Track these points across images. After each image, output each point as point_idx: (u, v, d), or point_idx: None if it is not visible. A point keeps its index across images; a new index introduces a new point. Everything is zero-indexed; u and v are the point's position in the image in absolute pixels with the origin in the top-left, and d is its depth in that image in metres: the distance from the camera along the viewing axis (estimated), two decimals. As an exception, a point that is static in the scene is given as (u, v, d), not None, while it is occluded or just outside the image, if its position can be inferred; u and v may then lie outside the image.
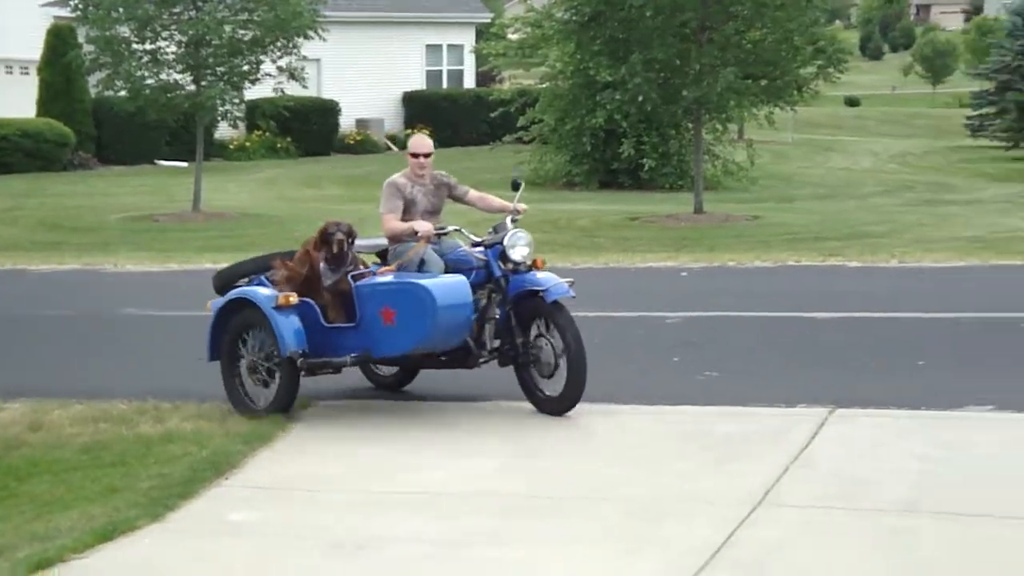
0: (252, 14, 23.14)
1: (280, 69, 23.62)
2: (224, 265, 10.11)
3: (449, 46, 41.09)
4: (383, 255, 9.13)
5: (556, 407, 8.42)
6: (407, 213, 8.89)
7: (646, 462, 7.44)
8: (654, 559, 5.96)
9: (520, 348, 8.53)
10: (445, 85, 41.08)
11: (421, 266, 8.66)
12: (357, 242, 8.96)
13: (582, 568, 5.91)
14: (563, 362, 8.37)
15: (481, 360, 8.65)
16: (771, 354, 10.36)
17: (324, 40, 23.98)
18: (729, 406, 8.61)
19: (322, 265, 8.76)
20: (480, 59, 39.23)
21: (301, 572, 5.91)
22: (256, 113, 33.00)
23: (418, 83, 40.43)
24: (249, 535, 6.46)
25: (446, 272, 8.63)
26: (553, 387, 8.50)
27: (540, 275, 8.55)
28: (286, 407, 8.61)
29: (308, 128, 36.60)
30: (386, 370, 9.37)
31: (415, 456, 7.72)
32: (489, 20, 42.15)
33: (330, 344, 8.57)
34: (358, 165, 34.67)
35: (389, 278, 8.64)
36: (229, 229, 21.74)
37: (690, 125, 27.22)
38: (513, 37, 34.13)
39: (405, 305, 8.37)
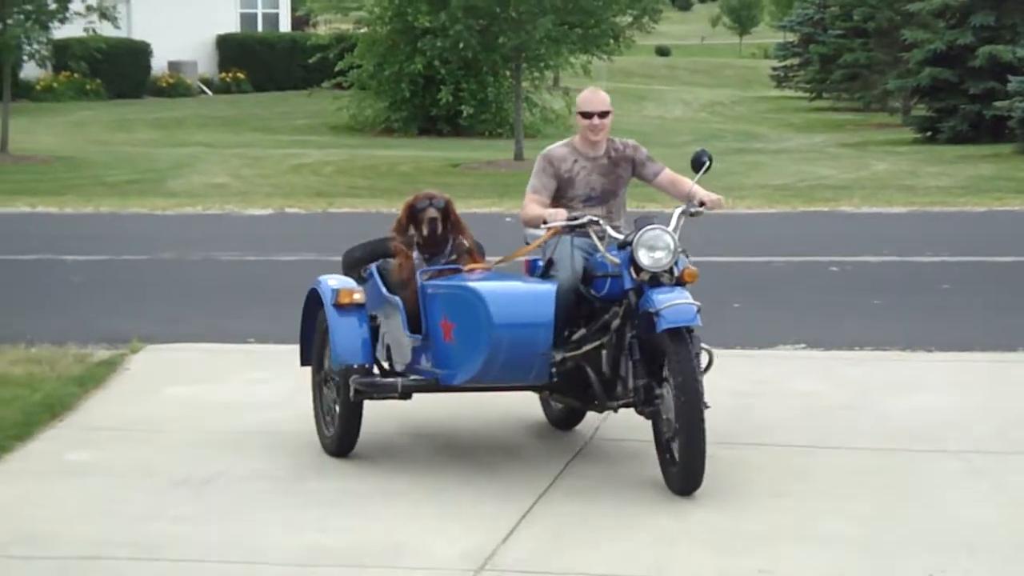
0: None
1: (90, 8, 23.05)
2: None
3: (264, -11, 40.51)
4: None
5: (676, 484, 6.06)
6: (563, 198, 6.66)
7: (470, 402, 7.67)
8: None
9: (642, 393, 6.17)
10: (260, 28, 40.56)
11: (548, 268, 6.54)
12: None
13: (407, 510, 6.11)
14: (672, 419, 6.02)
15: (613, 404, 6.33)
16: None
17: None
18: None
19: (415, 254, 6.74)
20: (296, 2, 38.79)
21: (147, 509, 5.97)
22: (66, 54, 32.15)
23: (232, 26, 39.83)
24: (91, 474, 6.49)
25: (584, 279, 6.44)
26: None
27: (662, 293, 6.06)
28: (345, 444, 6.64)
29: (119, 70, 35.79)
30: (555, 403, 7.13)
31: (254, 397, 7.82)
32: (305, -37, 41.67)
33: (413, 362, 6.64)
34: (171, 108, 34.07)
35: (460, 279, 6.47)
36: (41, 172, 21.25)
37: (508, 72, 27.52)
38: (329, -19, 33.86)
39: (461, 317, 6.30)
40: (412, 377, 6.51)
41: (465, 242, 6.76)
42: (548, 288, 6.24)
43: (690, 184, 6.63)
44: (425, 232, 6.65)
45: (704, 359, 6.25)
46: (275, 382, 8.09)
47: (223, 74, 39.56)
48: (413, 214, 6.72)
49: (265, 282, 11.81)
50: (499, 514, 5.84)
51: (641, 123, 34.38)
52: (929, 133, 28.87)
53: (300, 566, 5.33)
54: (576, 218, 6.40)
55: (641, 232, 6.14)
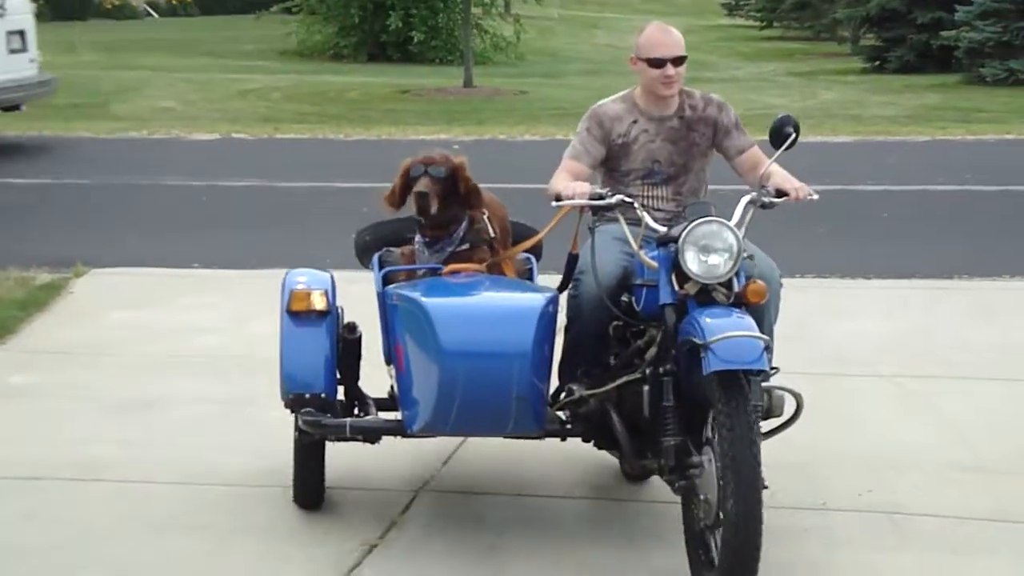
0: None
1: (35, -72, 22.66)
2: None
3: (212, -90, 39.93)
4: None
5: None
6: (616, 171, 5.09)
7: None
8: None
9: (672, 456, 4.49)
10: (208, -50, 39.98)
11: (570, 265, 4.94)
12: None
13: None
14: (713, 501, 4.29)
15: (649, 464, 4.69)
16: (542, 222, 10.72)
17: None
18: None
19: (417, 238, 5.16)
20: (244, -76, 38.27)
21: (88, 431, 6.01)
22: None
23: (179, -52, 39.25)
24: (32, 397, 6.51)
25: (620, 285, 4.77)
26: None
27: (714, 317, 4.37)
28: (304, 493, 5.14)
29: (63, -9, 35.24)
30: None
31: (199, 321, 7.83)
32: None
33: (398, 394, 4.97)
34: (117, 31, 33.63)
35: (424, 285, 4.90)
36: (-17, 96, 20.94)
37: (459, -2, 27.32)
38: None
39: (411, 340, 4.69)
40: (372, 418, 4.99)
41: (485, 223, 5.11)
42: (532, 301, 4.61)
43: (766, 163, 4.96)
44: (415, 211, 5.05)
45: (787, 406, 4.65)
46: (220, 307, 8.11)
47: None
48: (407, 184, 5.06)
49: (211, 207, 11.77)
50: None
51: (591, 51, 34.28)
52: (877, 63, 28.96)
53: (243, 486, 5.39)
54: (602, 196, 4.73)
55: (691, 225, 4.47)
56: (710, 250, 4.47)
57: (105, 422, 6.13)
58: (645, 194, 5.04)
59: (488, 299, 4.82)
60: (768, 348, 4.38)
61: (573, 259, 4.92)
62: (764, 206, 4.80)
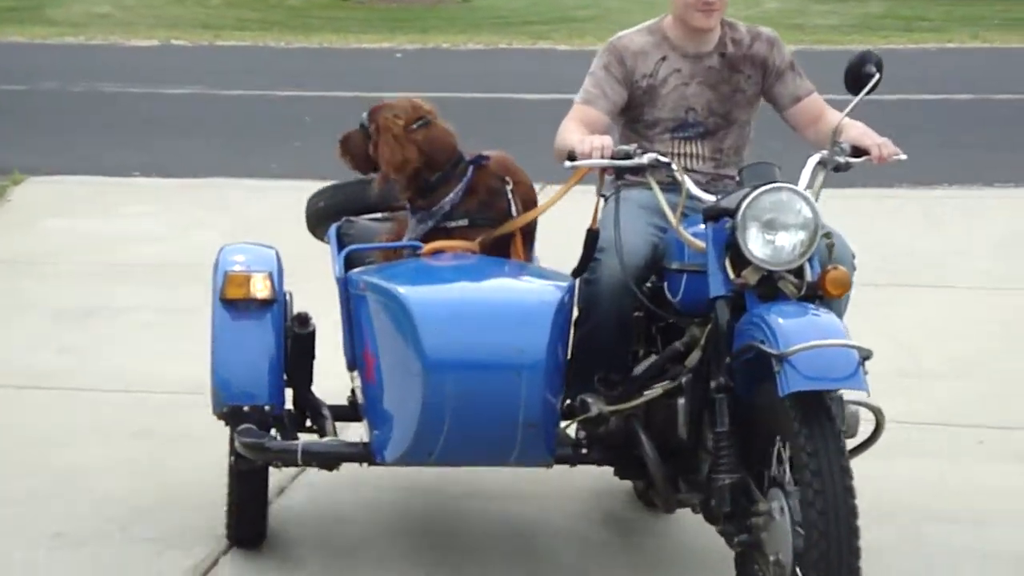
0: None
1: None
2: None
3: None
4: None
5: None
6: (638, 122, 4.05)
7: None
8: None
9: (726, 499, 3.46)
10: None
11: (590, 244, 3.82)
12: None
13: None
14: (788, 560, 3.31)
15: (687, 499, 3.75)
16: (487, 133, 10.67)
17: None
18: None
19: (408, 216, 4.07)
20: None
21: (31, 340, 5.96)
22: None
23: None
24: (-29, 306, 6.43)
25: (654, 268, 3.84)
26: None
27: (788, 316, 3.40)
28: (239, 527, 4.12)
29: None
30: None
31: (139, 230, 7.74)
32: None
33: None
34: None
35: (397, 269, 3.89)
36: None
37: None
38: None
39: (383, 343, 3.72)
40: (332, 441, 3.92)
41: (505, 193, 3.97)
42: (546, 293, 3.59)
43: (838, 116, 3.91)
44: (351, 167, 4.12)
45: (862, 426, 3.68)
46: (161, 215, 8.03)
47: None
48: (377, 128, 4.02)
49: (150, 115, 11.58)
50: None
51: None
52: (821, -27, 28.89)
53: (188, 393, 5.35)
54: (629, 154, 3.67)
55: (754, 194, 3.48)
56: (778, 226, 3.47)
57: (45, 331, 6.08)
58: (675, 151, 3.99)
59: (488, 290, 3.74)
60: (866, 358, 3.31)
61: (594, 236, 3.79)
62: (838, 168, 3.79)
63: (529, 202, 4.03)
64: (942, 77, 13.85)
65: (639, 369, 3.85)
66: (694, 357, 3.65)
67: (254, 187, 8.72)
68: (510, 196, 3.98)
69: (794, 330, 3.32)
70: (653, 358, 3.84)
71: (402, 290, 3.56)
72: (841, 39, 17.17)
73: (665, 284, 3.77)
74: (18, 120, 11.27)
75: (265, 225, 7.81)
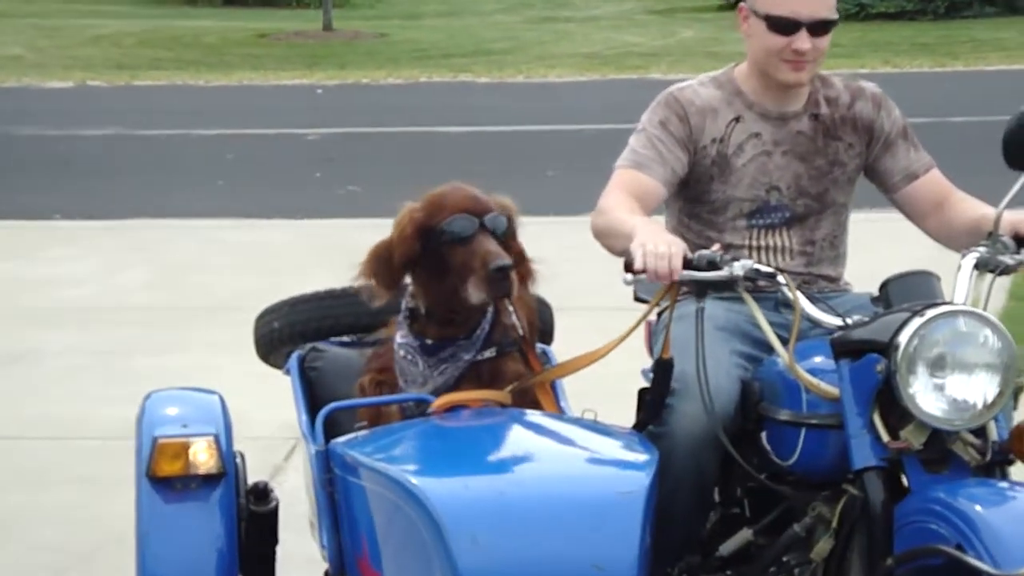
0: None
1: None
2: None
3: None
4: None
5: None
6: (703, 202, 3.15)
7: (296, 272, 7.66)
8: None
9: None
10: None
11: (662, 380, 2.84)
12: None
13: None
14: None
15: None
16: (412, 167, 10.70)
17: None
18: (371, 218, 8.89)
19: (399, 338, 3.00)
20: None
21: (-43, 387, 5.87)
22: None
23: None
24: None
25: (747, 412, 2.87)
26: None
27: (997, 509, 2.40)
28: None
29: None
30: None
31: (64, 273, 7.66)
32: None
33: None
34: None
35: (402, 437, 2.80)
36: None
37: (315, -60, 26.87)
38: None
39: (393, 555, 2.57)
40: None
41: (513, 317, 2.97)
42: (630, 479, 2.51)
43: (971, 200, 3.11)
44: (485, 294, 2.86)
45: None
46: (85, 258, 7.97)
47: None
48: (435, 241, 2.90)
49: (69, 157, 11.47)
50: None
51: (450, -8, 34.09)
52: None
53: (120, 439, 5.29)
54: (714, 262, 2.70)
55: (916, 322, 2.55)
56: (956, 367, 2.53)
57: (-27, 377, 5.99)
58: (753, 243, 3.09)
59: (544, 475, 2.56)
60: None
61: (667, 370, 2.82)
62: (1004, 271, 2.78)
63: (531, 317, 3.07)
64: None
65: (727, 547, 2.86)
66: (823, 548, 2.66)
67: (178, 227, 8.67)
68: (514, 311, 2.97)
69: (1016, 535, 2.30)
70: (745, 532, 2.86)
71: (418, 482, 2.42)
72: (756, 66, 17.45)
73: (764, 437, 2.79)
74: (-67, 165, 11.13)
75: (192, 264, 7.81)
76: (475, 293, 2.83)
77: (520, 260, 2.97)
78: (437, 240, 2.87)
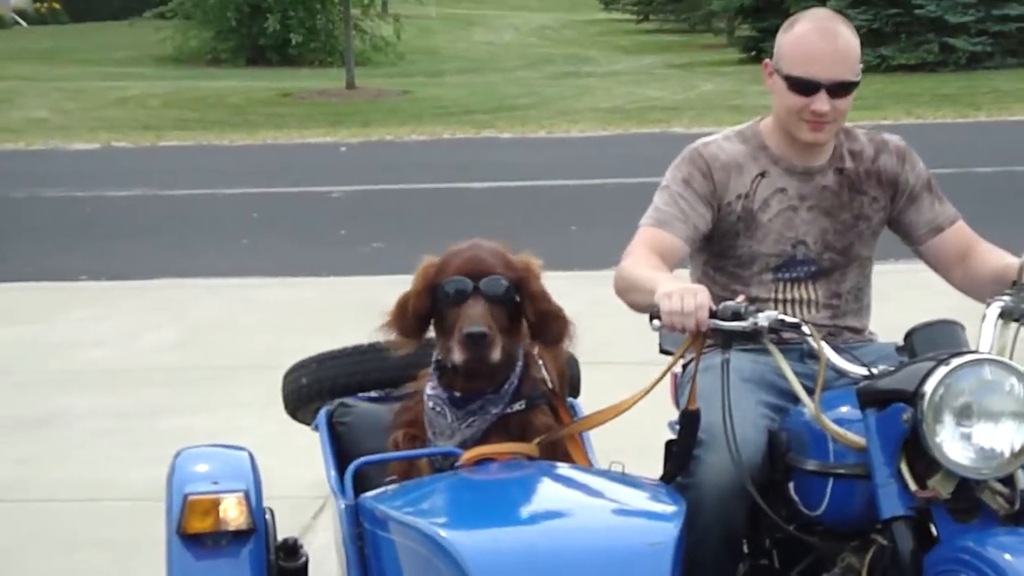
0: None
1: None
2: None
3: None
4: None
5: None
6: (729, 256, 3.19)
7: (323, 329, 7.67)
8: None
9: None
10: (77, -43, 39.28)
11: (689, 431, 2.84)
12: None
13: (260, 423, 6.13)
14: None
15: None
16: (436, 223, 10.74)
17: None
18: (397, 275, 8.92)
19: (428, 389, 3.01)
20: (113, -70, 37.66)
21: (-14, 451, 5.88)
22: None
23: (47, -45, 38.51)
24: (-76, 419, 6.35)
25: (775, 462, 2.86)
26: None
27: (1020, 555, 2.38)
28: None
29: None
30: None
31: (89, 334, 7.69)
32: None
33: None
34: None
35: (421, 495, 2.79)
36: None
37: (337, -1, 27.17)
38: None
39: None
40: None
41: (539, 365, 3.04)
42: (660, 529, 2.49)
43: (1010, 258, 3.07)
44: (460, 357, 2.85)
45: None
46: (110, 319, 7.99)
47: (37, 4, 38.29)
48: (439, 300, 2.96)
49: (95, 218, 11.56)
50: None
51: (470, 49, 34.32)
52: (753, 53, 29.37)
53: (149, 500, 5.30)
54: (739, 314, 2.69)
55: (942, 371, 2.54)
56: (983, 416, 2.52)
57: (4, 440, 5.99)
58: (779, 296, 3.14)
59: (573, 528, 2.54)
60: None
61: (694, 421, 2.83)
62: None
63: (560, 369, 3.12)
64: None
65: None
66: None
67: (204, 286, 8.71)
68: (543, 364, 3.05)
69: None
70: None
71: (448, 535, 2.44)
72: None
73: (792, 487, 2.79)
74: (-38, 228, 11.23)
75: (219, 324, 7.83)
76: (455, 354, 2.87)
77: (548, 318, 3.00)
78: (440, 298, 2.96)
